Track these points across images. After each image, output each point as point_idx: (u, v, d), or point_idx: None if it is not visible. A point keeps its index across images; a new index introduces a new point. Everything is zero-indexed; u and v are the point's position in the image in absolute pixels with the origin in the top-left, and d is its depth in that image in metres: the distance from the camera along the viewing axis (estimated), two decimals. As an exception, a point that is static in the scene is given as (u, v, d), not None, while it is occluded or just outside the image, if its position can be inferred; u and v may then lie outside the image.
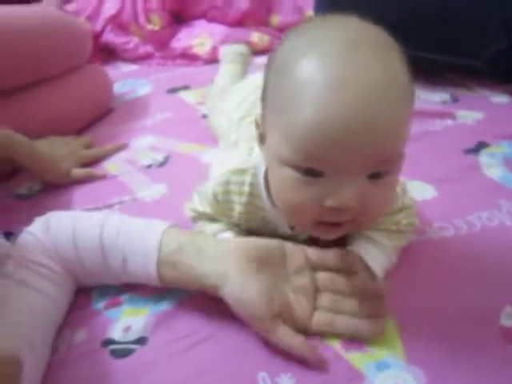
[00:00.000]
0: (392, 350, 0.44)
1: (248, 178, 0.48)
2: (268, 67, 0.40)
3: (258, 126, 0.43)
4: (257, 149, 0.48)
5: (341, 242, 0.50)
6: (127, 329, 0.48)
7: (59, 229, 0.50)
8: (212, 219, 0.55)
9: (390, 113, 0.33)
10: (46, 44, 0.85)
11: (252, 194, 0.49)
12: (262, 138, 0.43)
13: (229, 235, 0.53)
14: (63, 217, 0.52)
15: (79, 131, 0.94)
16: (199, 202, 0.55)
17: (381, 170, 0.36)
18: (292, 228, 0.51)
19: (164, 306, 0.50)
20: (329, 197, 0.36)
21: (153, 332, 0.48)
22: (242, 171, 0.48)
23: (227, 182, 0.49)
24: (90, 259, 0.48)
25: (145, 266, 0.47)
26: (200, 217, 0.56)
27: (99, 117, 1.00)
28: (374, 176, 0.36)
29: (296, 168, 0.36)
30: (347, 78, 0.32)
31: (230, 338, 0.46)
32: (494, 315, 0.46)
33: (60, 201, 0.71)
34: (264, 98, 0.41)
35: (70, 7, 1.37)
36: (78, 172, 0.76)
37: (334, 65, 0.33)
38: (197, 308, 0.49)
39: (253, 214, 0.51)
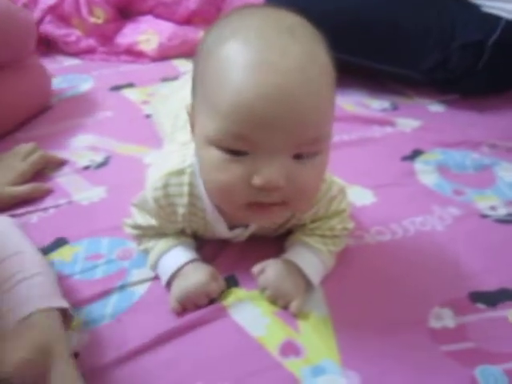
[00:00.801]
0: (328, 353, 0.45)
1: (186, 179, 0.48)
2: (196, 58, 0.41)
3: (189, 115, 0.44)
4: (192, 146, 0.47)
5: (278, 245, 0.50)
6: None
7: None
8: (157, 235, 0.53)
9: (308, 92, 0.35)
10: None
11: (192, 194, 0.48)
12: (193, 127, 0.43)
13: (177, 254, 0.51)
14: None
15: (15, 129, 0.88)
16: (140, 215, 0.52)
17: (305, 150, 0.37)
18: (231, 229, 0.51)
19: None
20: (254, 175, 0.37)
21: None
22: (180, 172, 0.48)
23: (166, 185, 0.48)
24: None
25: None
26: (144, 234, 0.54)
27: (36, 114, 0.94)
28: (299, 156, 0.37)
29: (222, 147, 0.37)
30: (265, 60, 0.34)
31: (167, 349, 0.45)
32: (425, 317, 0.48)
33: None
34: (193, 86, 0.42)
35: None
36: (21, 190, 0.68)
37: (253, 48, 0.35)
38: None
39: (194, 216, 0.50)
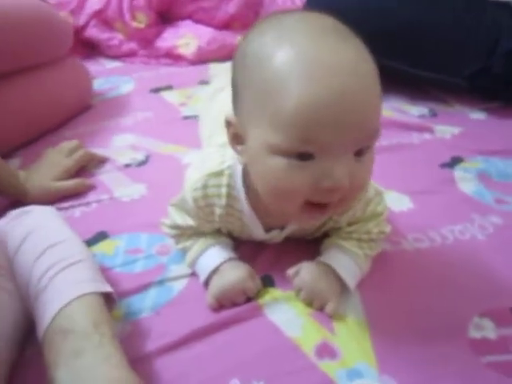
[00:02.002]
0: (363, 356, 0.44)
1: (225, 180, 0.48)
2: (237, 65, 0.41)
3: (229, 126, 0.43)
4: (230, 150, 0.47)
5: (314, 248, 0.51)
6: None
7: (15, 229, 0.49)
8: (195, 234, 0.54)
9: (364, 89, 0.35)
10: (25, 34, 0.82)
11: (230, 196, 0.49)
12: (236, 138, 0.43)
13: (215, 253, 0.52)
14: (30, 218, 0.51)
15: (59, 126, 0.92)
16: (179, 215, 0.53)
17: (364, 145, 0.38)
18: (267, 231, 0.52)
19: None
20: (324, 178, 0.37)
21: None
22: (219, 173, 0.49)
23: (205, 186, 0.49)
24: (18, 276, 0.46)
25: (39, 324, 0.42)
26: (182, 234, 0.54)
27: (78, 112, 0.98)
28: (359, 153, 0.38)
29: (287, 154, 0.37)
30: (319, 62, 0.35)
31: (203, 344, 0.46)
32: (464, 326, 0.47)
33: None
34: (238, 94, 0.41)
35: (53, 0, 1.34)
36: (65, 185, 0.71)
37: (308, 52, 0.35)
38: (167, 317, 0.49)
39: (231, 217, 0.51)
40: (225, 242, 0.54)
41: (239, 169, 0.48)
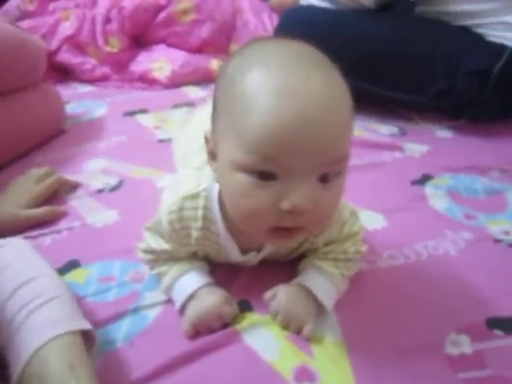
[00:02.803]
0: (343, 379, 0.44)
1: (201, 202, 0.48)
2: (217, 85, 0.42)
3: (207, 142, 0.44)
4: (207, 170, 0.48)
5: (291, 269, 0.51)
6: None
7: None
8: (170, 259, 0.53)
9: (332, 116, 0.36)
10: None
11: (206, 218, 0.48)
12: (212, 155, 0.44)
13: (191, 278, 0.51)
14: (2, 253, 0.49)
15: (29, 152, 0.90)
16: (153, 240, 0.52)
17: (330, 170, 0.38)
18: (243, 253, 0.52)
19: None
20: (283, 199, 0.37)
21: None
22: (195, 196, 0.48)
23: (180, 209, 0.48)
24: None
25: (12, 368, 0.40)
26: (157, 258, 0.53)
27: (50, 137, 0.97)
28: (324, 178, 0.38)
29: (250, 171, 0.37)
30: (290, 86, 0.36)
31: (180, 374, 0.45)
32: (440, 343, 0.48)
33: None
34: (214, 112, 0.43)
35: (25, 24, 1.33)
36: (35, 213, 0.69)
37: (277, 74, 0.36)
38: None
39: (207, 240, 0.50)
40: (200, 266, 0.53)
41: (216, 191, 0.48)
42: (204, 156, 0.51)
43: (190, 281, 0.51)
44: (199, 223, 0.48)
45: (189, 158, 0.63)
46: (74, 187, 0.78)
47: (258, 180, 0.37)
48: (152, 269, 0.55)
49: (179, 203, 0.48)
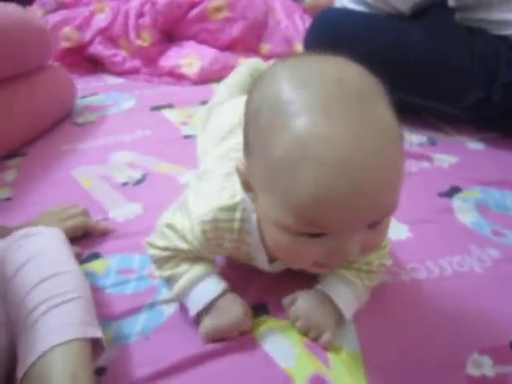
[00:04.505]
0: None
1: (238, 214, 0.46)
2: (250, 117, 0.38)
3: (240, 173, 0.41)
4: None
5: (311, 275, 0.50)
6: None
7: (17, 252, 0.47)
8: (188, 259, 0.50)
9: (387, 176, 0.33)
10: (5, 42, 0.83)
11: (242, 230, 0.47)
12: (247, 186, 0.41)
13: (208, 285, 0.49)
14: (35, 242, 0.49)
15: (41, 134, 0.95)
16: (178, 239, 0.49)
17: (380, 219, 0.36)
18: (270, 262, 0.50)
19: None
20: (334, 253, 0.36)
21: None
22: (232, 208, 0.46)
23: (215, 220, 0.46)
24: (10, 302, 0.43)
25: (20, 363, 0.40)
26: (171, 257, 0.50)
27: (60, 119, 1.01)
28: (374, 225, 0.36)
29: (296, 232, 0.35)
30: (339, 148, 0.31)
31: (193, 373, 0.45)
32: (461, 362, 0.46)
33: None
34: (249, 149, 0.38)
35: (60, 15, 1.36)
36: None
37: (323, 131, 0.31)
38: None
39: (238, 250, 0.49)
40: (215, 270, 0.51)
41: (250, 203, 0.45)
42: (232, 162, 0.49)
43: (207, 288, 0.49)
44: (235, 235, 0.47)
45: (208, 153, 0.62)
46: (102, 234, 0.65)
47: (306, 238, 0.35)
48: (161, 267, 0.51)
49: (214, 214, 0.46)
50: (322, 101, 0.32)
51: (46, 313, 0.41)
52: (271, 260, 0.50)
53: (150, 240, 0.52)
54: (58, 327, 0.40)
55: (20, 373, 0.39)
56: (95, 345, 0.42)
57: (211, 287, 0.49)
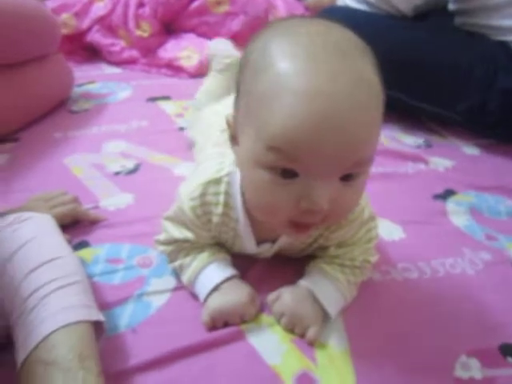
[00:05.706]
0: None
1: (223, 187, 0.47)
2: (241, 67, 0.40)
3: (229, 126, 0.43)
4: (230, 156, 0.47)
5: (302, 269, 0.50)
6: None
7: (10, 236, 0.45)
8: (193, 248, 0.51)
9: (358, 118, 0.34)
10: (14, 29, 0.83)
11: (227, 204, 0.48)
12: (233, 139, 0.42)
13: (216, 270, 0.50)
14: (28, 226, 0.48)
15: (39, 119, 0.94)
16: (175, 228, 0.51)
17: (353, 171, 0.37)
18: (258, 244, 0.50)
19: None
20: (303, 198, 0.36)
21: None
22: (217, 181, 0.47)
23: (203, 194, 0.48)
24: (4, 287, 0.42)
25: (20, 348, 0.39)
26: (180, 249, 0.52)
27: (58, 105, 1.01)
28: (346, 178, 0.37)
29: (272, 169, 0.36)
30: (317, 87, 0.33)
31: (179, 367, 0.44)
32: (450, 364, 0.46)
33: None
34: (237, 99, 0.41)
35: (58, 1, 1.34)
36: None
37: (304, 73, 0.34)
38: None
39: (226, 226, 0.49)
40: (224, 258, 0.52)
41: (238, 176, 0.47)
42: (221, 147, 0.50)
43: (215, 272, 0.50)
44: (220, 209, 0.48)
45: (206, 148, 0.62)
46: (92, 223, 0.64)
47: (278, 177, 0.36)
48: (173, 261, 0.53)
49: (202, 188, 0.48)
50: (307, 50, 0.35)
51: (47, 296, 0.40)
52: (259, 242, 0.50)
53: (156, 237, 0.54)
54: (61, 309, 0.39)
55: (21, 356, 0.37)
56: (95, 328, 0.41)
57: (217, 273, 0.50)
